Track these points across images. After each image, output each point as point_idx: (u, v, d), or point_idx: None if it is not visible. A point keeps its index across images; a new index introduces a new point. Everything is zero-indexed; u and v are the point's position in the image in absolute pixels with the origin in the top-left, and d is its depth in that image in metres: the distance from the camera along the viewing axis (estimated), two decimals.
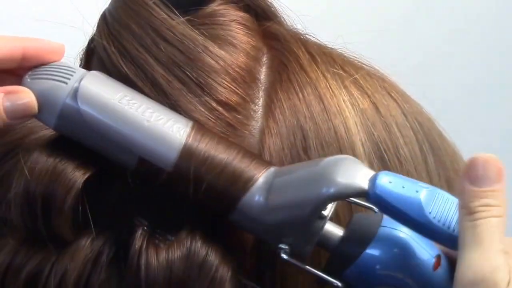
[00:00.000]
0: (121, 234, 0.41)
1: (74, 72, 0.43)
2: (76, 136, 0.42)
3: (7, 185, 0.42)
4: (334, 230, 0.41)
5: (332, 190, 0.39)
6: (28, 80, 0.43)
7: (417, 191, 0.38)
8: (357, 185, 0.39)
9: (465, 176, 0.38)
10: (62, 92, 0.42)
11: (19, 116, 0.42)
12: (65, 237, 0.41)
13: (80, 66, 0.49)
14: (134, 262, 0.40)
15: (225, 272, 0.40)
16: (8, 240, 0.42)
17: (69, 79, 0.42)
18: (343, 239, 0.41)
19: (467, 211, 0.38)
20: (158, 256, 0.39)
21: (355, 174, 0.39)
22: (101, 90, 0.42)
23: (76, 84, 0.42)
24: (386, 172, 0.40)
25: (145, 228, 0.41)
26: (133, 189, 0.42)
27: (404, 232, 0.40)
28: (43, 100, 0.42)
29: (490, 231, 0.37)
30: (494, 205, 0.38)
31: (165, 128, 0.41)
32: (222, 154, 0.41)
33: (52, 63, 0.44)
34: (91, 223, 0.41)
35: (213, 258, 0.40)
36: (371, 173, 0.39)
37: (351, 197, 0.41)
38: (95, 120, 0.41)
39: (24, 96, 0.42)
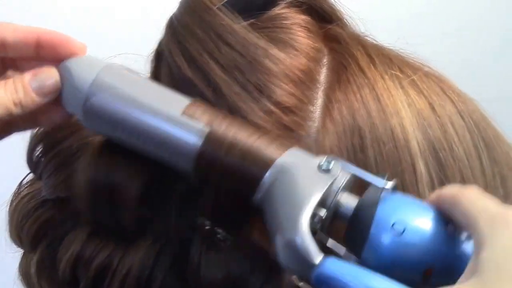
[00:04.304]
0: (184, 233, 0.43)
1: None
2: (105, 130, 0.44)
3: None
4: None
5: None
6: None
7: None
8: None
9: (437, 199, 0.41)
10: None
11: (46, 92, 0.45)
12: (130, 232, 0.44)
13: (151, 68, 0.52)
14: (195, 261, 0.42)
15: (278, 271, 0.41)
16: (79, 232, 0.46)
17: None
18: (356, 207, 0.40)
19: (456, 196, 0.39)
20: (217, 255, 0.42)
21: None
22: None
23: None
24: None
25: (206, 227, 0.42)
26: (194, 189, 0.44)
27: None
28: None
29: (480, 196, 0.38)
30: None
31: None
32: (246, 138, 0.41)
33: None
34: (153, 220, 0.44)
35: (268, 258, 0.41)
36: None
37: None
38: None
39: (50, 74, 0.45)
